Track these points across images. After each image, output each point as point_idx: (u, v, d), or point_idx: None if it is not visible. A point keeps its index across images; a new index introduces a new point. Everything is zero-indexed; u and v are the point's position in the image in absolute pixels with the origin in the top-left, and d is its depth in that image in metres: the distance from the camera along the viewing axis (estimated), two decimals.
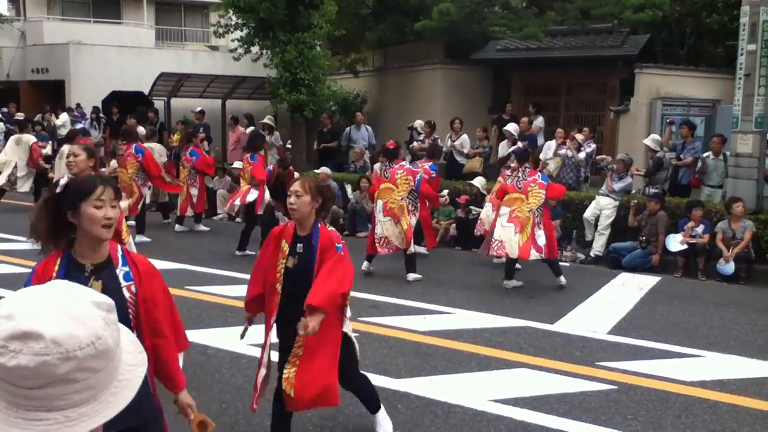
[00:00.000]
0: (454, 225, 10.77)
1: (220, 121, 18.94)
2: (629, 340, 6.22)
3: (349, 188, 12.21)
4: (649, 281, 8.56)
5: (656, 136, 11.18)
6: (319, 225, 3.82)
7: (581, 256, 9.94)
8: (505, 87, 16.69)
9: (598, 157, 11.27)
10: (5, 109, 16.62)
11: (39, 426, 1.08)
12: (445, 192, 10.99)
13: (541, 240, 7.80)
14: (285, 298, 3.76)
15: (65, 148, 11.94)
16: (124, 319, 2.81)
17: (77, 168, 5.07)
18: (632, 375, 5.34)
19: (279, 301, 3.77)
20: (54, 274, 2.61)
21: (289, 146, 15.16)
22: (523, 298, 7.59)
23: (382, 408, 4.24)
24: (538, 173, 8.09)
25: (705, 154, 10.71)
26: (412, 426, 4.40)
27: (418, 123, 13.83)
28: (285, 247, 3.79)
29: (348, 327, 3.98)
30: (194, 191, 11.28)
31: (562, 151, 11.19)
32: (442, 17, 16.42)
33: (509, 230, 7.76)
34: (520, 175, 8.02)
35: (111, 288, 2.62)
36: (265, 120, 14.79)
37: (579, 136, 11.77)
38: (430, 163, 9.40)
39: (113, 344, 1.14)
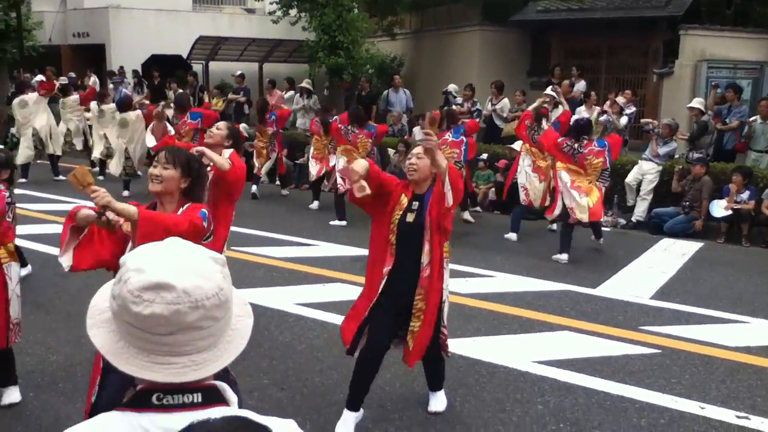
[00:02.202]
0: (493, 189, 10.77)
1: (257, 84, 19.03)
2: (672, 305, 6.23)
3: (391, 152, 12.24)
4: (691, 247, 8.50)
5: (701, 99, 10.96)
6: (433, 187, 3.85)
7: (622, 221, 9.88)
8: (545, 50, 16.44)
9: (643, 120, 11.08)
10: (41, 77, 16.93)
11: (169, 369, 1.19)
12: (485, 156, 10.97)
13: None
14: (399, 249, 3.86)
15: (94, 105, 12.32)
16: None
17: (212, 140, 5.07)
18: (676, 339, 5.37)
19: (393, 252, 3.86)
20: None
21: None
22: (563, 263, 7.62)
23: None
24: (595, 141, 7.80)
25: (752, 118, 10.48)
26: (457, 385, 4.51)
27: (452, 87, 13.74)
28: (404, 200, 3.90)
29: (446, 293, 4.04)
30: (273, 155, 11.23)
31: (604, 118, 11.03)
32: None
33: (575, 195, 7.67)
34: (576, 146, 7.70)
35: None
36: (303, 84, 14.82)
37: (620, 99, 11.58)
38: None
39: (230, 295, 1.24)
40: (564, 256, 7.67)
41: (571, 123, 8.55)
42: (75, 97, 13.00)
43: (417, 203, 3.86)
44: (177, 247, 1.25)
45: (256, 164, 11.24)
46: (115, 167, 11.34)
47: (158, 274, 1.16)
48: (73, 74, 17.25)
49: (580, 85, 13.09)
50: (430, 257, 3.79)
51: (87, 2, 21.42)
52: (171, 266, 1.18)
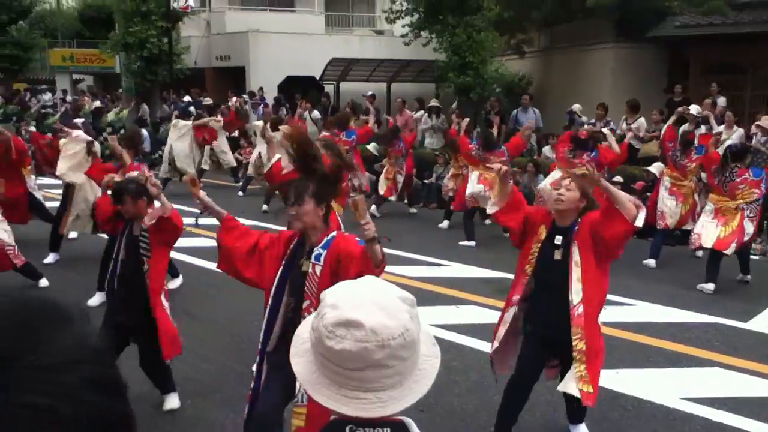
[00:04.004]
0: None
1: (385, 103, 19.44)
2: None
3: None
4: None
5: None
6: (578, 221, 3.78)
7: None
8: (683, 66, 15.72)
9: None
10: (188, 98, 18.03)
11: (357, 404, 1.28)
12: (619, 178, 10.62)
13: (749, 229, 7.29)
14: (538, 286, 3.83)
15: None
16: (299, 289, 3.14)
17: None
18: None
19: (528, 283, 3.84)
20: (290, 245, 3.33)
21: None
22: (709, 293, 7.23)
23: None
24: (749, 170, 7.36)
25: None
26: (600, 419, 4.40)
27: (577, 107, 13.43)
28: (543, 232, 3.83)
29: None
30: (400, 177, 11.27)
31: (755, 139, 10.39)
32: None
33: (712, 225, 7.35)
34: (727, 174, 7.35)
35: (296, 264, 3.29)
36: (432, 103, 15.02)
37: (765, 120, 10.84)
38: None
39: (417, 336, 1.31)
40: (710, 286, 7.27)
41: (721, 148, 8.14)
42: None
43: (561, 238, 3.77)
44: (371, 286, 1.34)
45: (382, 185, 11.35)
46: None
47: (350, 312, 1.25)
48: (209, 99, 18.28)
49: (721, 101, 12.42)
50: (582, 296, 3.65)
51: (229, 27, 22.80)
52: (362, 304, 1.27)
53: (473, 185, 9.51)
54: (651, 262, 8.37)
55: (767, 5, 14.63)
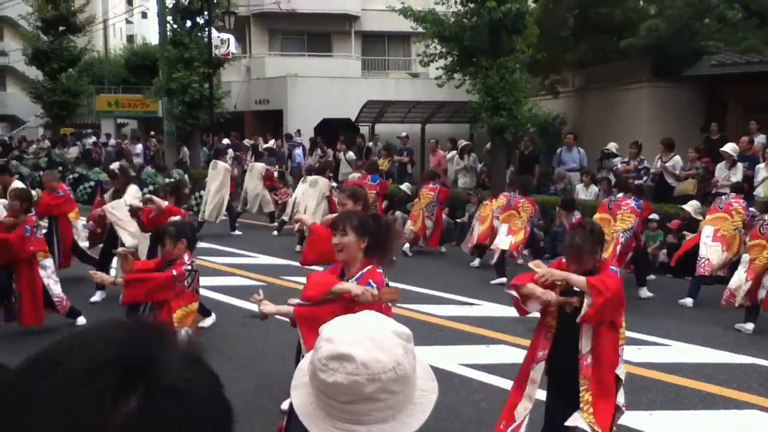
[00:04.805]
0: (664, 251, 10.25)
1: (420, 144, 19.61)
2: None
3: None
4: None
5: None
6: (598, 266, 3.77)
7: None
8: (720, 104, 15.58)
9: None
10: (227, 140, 18.48)
11: None
12: (655, 216, 10.50)
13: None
14: (559, 327, 3.81)
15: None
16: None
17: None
18: None
19: (551, 337, 3.83)
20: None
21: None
22: (748, 333, 7.05)
23: None
24: None
25: None
26: None
27: (612, 145, 13.38)
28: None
29: (621, 397, 3.83)
30: (429, 223, 11.22)
31: None
32: (649, 34, 15.73)
33: (716, 249, 7.20)
34: (766, 217, 7.28)
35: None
36: (463, 142, 15.13)
37: None
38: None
39: (410, 370, 1.33)
40: (749, 326, 7.09)
41: None
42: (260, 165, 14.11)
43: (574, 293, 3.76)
44: (367, 320, 1.38)
45: (410, 228, 11.31)
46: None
47: (343, 346, 1.28)
48: (226, 141, 18.67)
49: (760, 138, 12.26)
50: (591, 346, 3.65)
51: (269, 72, 23.43)
52: (356, 338, 1.30)
53: (501, 238, 9.53)
54: (688, 301, 8.20)
55: None
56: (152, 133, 24.21)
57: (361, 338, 1.30)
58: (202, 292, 7.14)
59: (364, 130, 20.28)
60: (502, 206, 10.01)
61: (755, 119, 12.99)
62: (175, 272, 4.90)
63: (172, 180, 13.23)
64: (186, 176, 15.28)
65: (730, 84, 15.19)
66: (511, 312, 7.81)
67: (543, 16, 17.68)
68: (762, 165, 11.12)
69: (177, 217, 6.68)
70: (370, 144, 17.80)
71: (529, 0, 16.46)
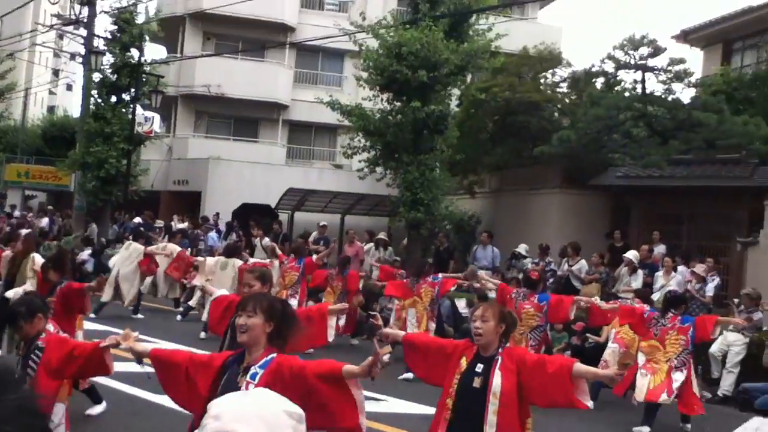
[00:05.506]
0: (569, 353, 10.47)
1: (338, 234, 19.70)
2: None
3: (461, 304, 12.23)
4: None
5: None
6: (501, 348, 3.81)
7: (707, 395, 9.32)
8: (624, 213, 16.47)
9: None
10: (138, 219, 18.08)
11: None
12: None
13: (677, 383, 7.31)
14: (455, 416, 3.76)
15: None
16: None
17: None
18: None
19: (449, 419, 3.78)
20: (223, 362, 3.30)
21: None
22: None
23: None
24: (680, 317, 7.59)
25: None
26: None
27: (522, 247, 13.86)
28: (464, 363, 3.82)
29: None
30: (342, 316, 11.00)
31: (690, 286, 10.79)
32: (561, 143, 16.66)
33: (642, 373, 7.45)
34: (661, 320, 7.63)
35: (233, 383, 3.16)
36: (380, 236, 15.33)
37: (699, 268, 11.33)
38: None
39: None
40: (645, 429, 7.27)
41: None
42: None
43: (482, 366, 3.76)
44: (258, 398, 1.35)
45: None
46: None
47: (230, 424, 1.26)
48: (161, 222, 18.28)
49: (660, 248, 12.94)
50: (496, 429, 3.61)
51: (191, 153, 23.31)
52: (244, 416, 1.27)
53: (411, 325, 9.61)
54: (589, 403, 8.31)
55: (700, 162, 15.67)
56: (50, 207, 23.38)
57: (250, 417, 1.27)
58: (98, 379, 6.75)
59: (283, 217, 20.25)
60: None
61: (657, 229, 13.77)
62: None
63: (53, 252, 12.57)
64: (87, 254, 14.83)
65: (634, 195, 16.13)
66: (416, 409, 7.74)
67: (464, 119, 18.54)
68: (660, 273, 11.70)
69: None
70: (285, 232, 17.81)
71: (451, 104, 17.26)
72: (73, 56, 26.73)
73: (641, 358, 7.63)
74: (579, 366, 3.66)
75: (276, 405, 1.34)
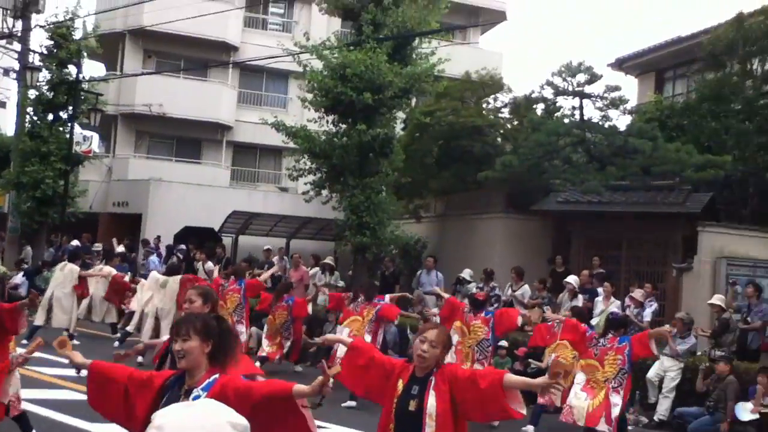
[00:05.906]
0: None
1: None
2: None
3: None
4: None
5: (721, 296, 10.97)
6: (437, 368, 3.82)
7: (644, 419, 9.54)
8: (565, 238, 16.81)
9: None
10: (76, 242, 17.60)
11: None
12: (504, 342, 10.89)
13: (616, 409, 7.41)
14: None
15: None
16: None
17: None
18: None
19: None
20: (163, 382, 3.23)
21: None
22: None
23: None
24: (618, 338, 7.76)
25: None
26: None
27: (467, 272, 14.00)
28: (400, 386, 3.81)
29: None
30: (286, 343, 11.09)
31: (629, 311, 11.06)
32: (504, 168, 16.93)
33: (581, 397, 7.56)
34: (601, 340, 7.83)
35: None
36: (326, 260, 15.25)
37: (637, 293, 11.64)
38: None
39: None
40: None
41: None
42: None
43: (417, 387, 3.76)
44: (203, 410, 1.33)
45: (265, 347, 11.07)
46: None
47: None
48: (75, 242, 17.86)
49: (598, 276, 13.24)
50: None
51: (132, 174, 22.80)
52: (187, 428, 1.26)
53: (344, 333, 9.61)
54: (530, 428, 8.41)
55: (636, 188, 16.15)
56: None
57: (192, 428, 1.26)
58: (27, 406, 6.49)
59: (227, 241, 19.96)
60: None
61: (597, 255, 14.09)
62: None
63: None
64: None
65: (575, 220, 16.50)
66: None
67: (410, 143, 18.70)
68: (600, 298, 11.96)
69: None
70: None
71: (397, 127, 17.39)
72: (6, 72, 25.92)
73: (581, 377, 7.77)
74: (510, 376, 3.71)
75: (220, 416, 1.33)
